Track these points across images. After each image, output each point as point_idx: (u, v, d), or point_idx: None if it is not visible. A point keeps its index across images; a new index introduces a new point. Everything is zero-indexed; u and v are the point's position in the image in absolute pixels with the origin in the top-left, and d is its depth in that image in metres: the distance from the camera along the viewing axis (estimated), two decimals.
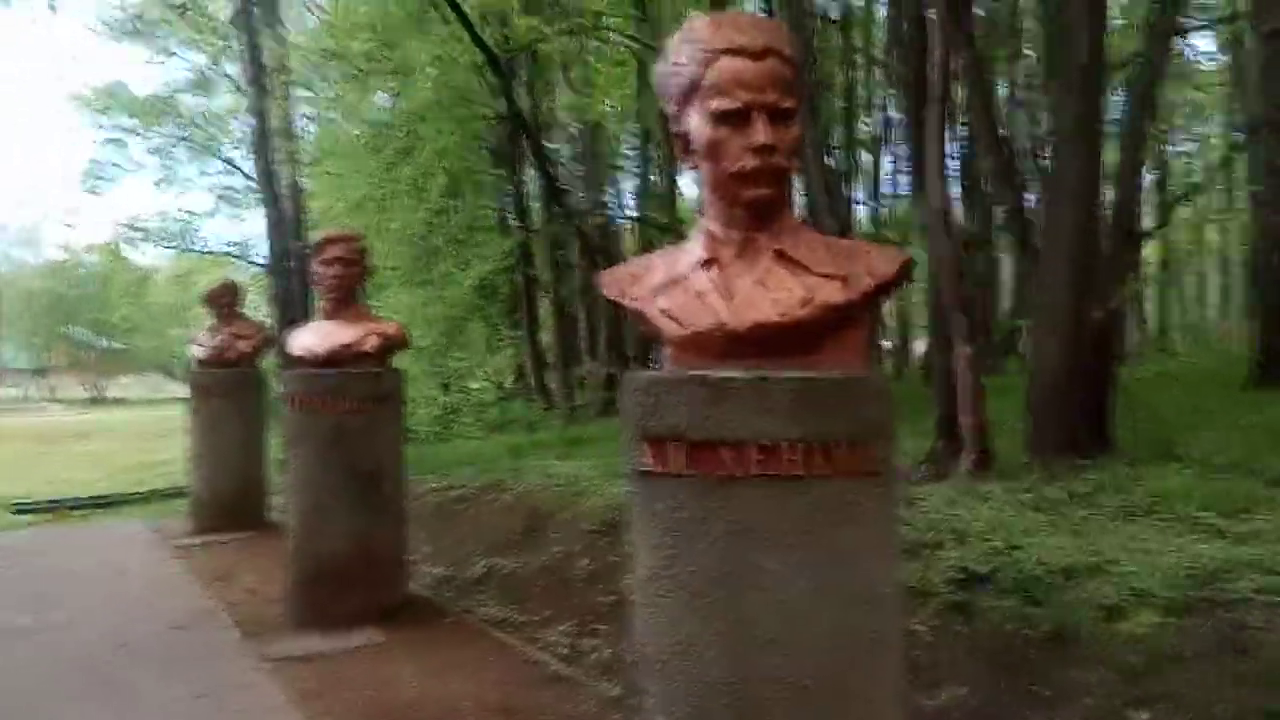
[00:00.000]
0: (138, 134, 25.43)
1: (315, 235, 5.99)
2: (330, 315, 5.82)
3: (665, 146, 16.00)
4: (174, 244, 27.62)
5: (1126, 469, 5.20)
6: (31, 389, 67.13)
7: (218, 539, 8.46)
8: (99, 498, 15.48)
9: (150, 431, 41.81)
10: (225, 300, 9.08)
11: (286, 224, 11.23)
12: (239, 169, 27.91)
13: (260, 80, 11.35)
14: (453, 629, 5.42)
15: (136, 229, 26.17)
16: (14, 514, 14.39)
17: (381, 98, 16.21)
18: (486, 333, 16.62)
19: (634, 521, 2.57)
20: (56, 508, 14.58)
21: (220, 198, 26.97)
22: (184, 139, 24.40)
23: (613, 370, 17.10)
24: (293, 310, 11.28)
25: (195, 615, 5.88)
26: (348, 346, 5.68)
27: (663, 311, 2.51)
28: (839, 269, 2.46)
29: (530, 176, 16.76)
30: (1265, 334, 9.88)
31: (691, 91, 2.54)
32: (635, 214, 16.85)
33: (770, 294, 2.43)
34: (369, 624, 5.49)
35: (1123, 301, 7.61)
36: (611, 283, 2.69)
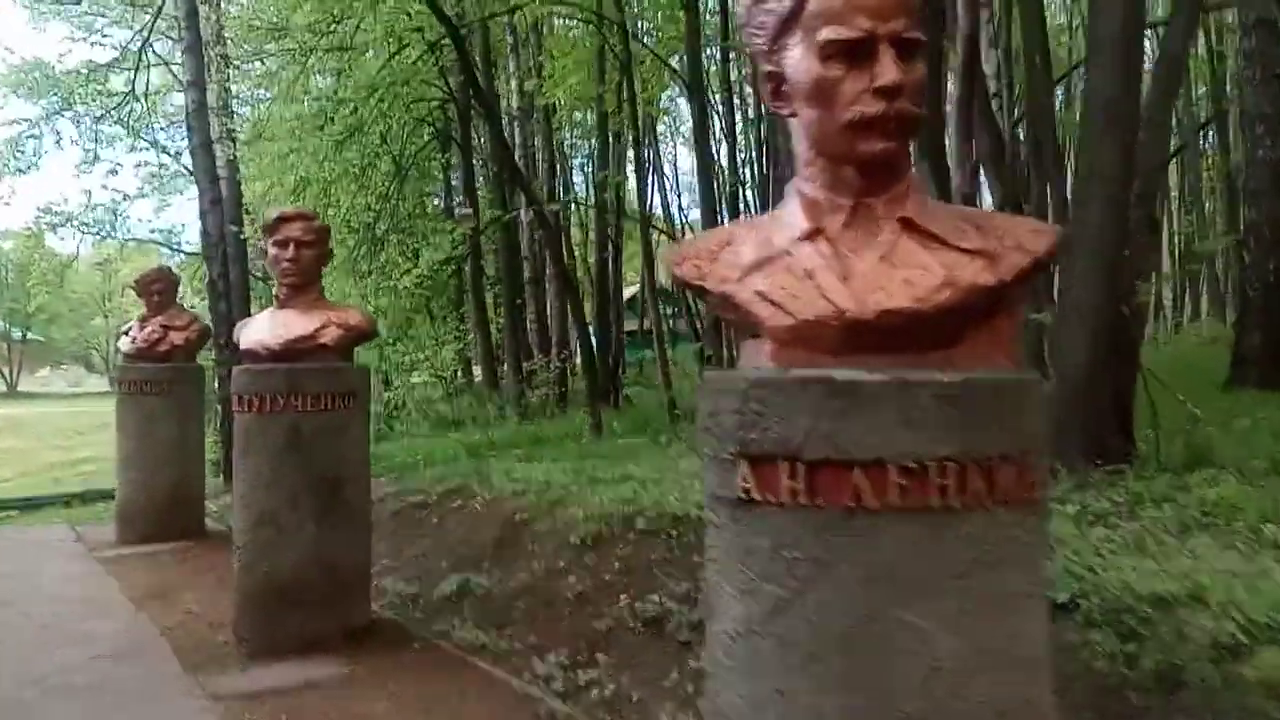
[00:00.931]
0: (59, 114, 24.09)
1: (269, 212, 5.32)
2: (285, 304, 5.17)
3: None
4: (97, 230, 26.27)
5: (1163, 476, 4.83)
6: None
7: (150, 550, 7.71)
8: (14, 500, 14.39)
9: (69, 428, 40.05)
10: (158, 288, 8.30)
11: (224, 204, 10.38)
12: (167, 150, 26.66)
13: (197, 49, 10.49)
14: (425, 656, 4.82)
15: (57, 214, 24.81)
16: None
17: (323, 77, 15.42)
18: (431, 325, 15.88)
19: (717, 559, 2.04)
20: None
21: (147, 182, 25.79)
22: (108, 119, 23.13)
23: (563, 365, 16.53)
24: (229, 300, 10.46)
25: (127, 642, 5.18)
26: (305, 338, 5.05)
27: (760, 295, 1.98)
28: (982, 243, 1.96)
29: (479, 162, 16.11)
30: (1243, 331, 9.72)
31: (791, 19, 2.02)
32: (595, 203, 16.23)
33: (899, 273, 1.92)
34: (330, 652, 4.87)
35: (1147, 297, 7.31)
36: (683, 260, 2.16)
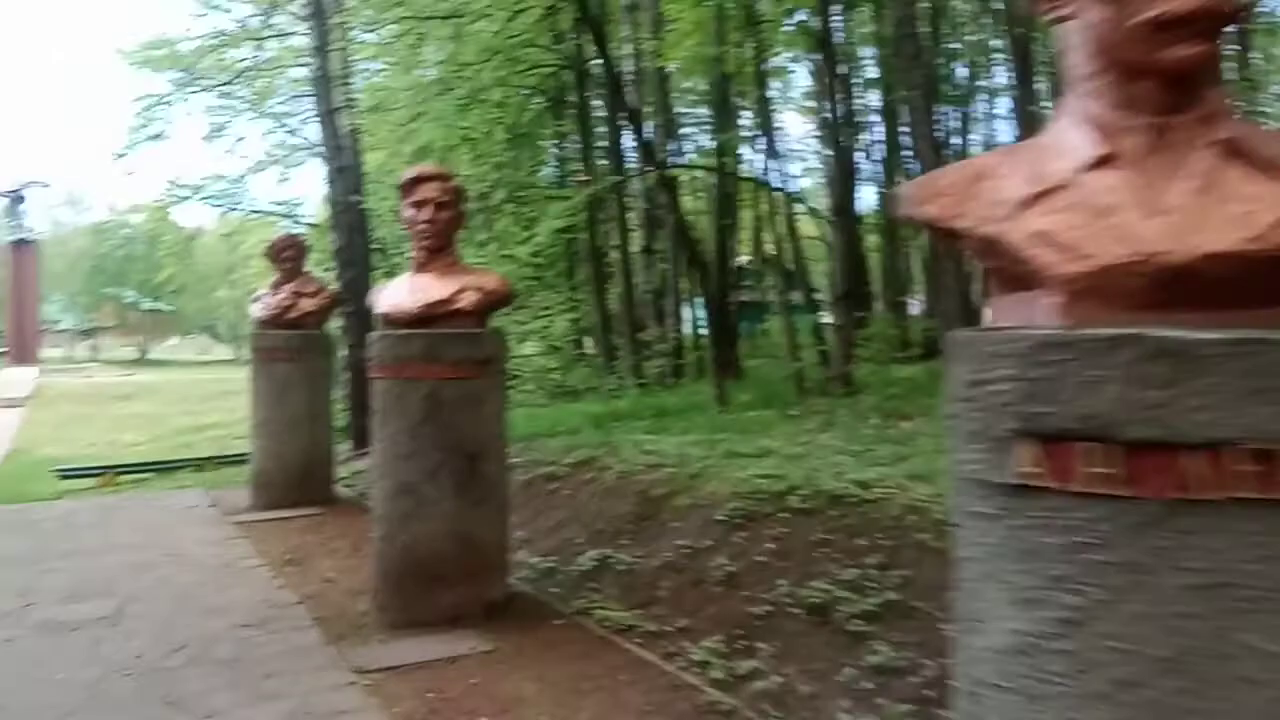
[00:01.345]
0: (185, 89, 24.83)
1: (405, 172, 5.14)
2: (422, 267, 4.99)
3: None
4: (222, 202, 27.13)
5: None
6: (77, 350, 67.61)
7: (283, 515, 7.75)
8: (150, 464, 14.91)
9: (197, 394, 41.80)
10: (288, 254, 8.30)
11: (349, 172, 10.37)
12: (288, 124, 27.27)
13: (321, 15, 10.46)
14: (569, 634, 4.62)
15: (183, 186, 25.69)
16: (60, 479, 13.85)
17: (438, 46, 15.36)
18: (545, 294, 15.71)
19: (979, 558, 1.71)
20: (105, 473, 14.02)
21: (269, 155, 26.44)
22: (232, 93, 23.73)
23: (679, 335, 16.23)
24: (355, 268, 10.47)
25: (267, 610, 5.13)
26: (442, 302, 4.86)
27: (1040, 237, 1.63)
28: None
29: (596, 130, 15.84)
30: None
31: None
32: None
33: (1225, 208, 1.54)
34: (470, 626, 4.72)
35: None
36: (929, 198, 1.81)
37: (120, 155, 15.02)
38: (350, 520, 7.63)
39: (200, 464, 14.24)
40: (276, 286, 8.34)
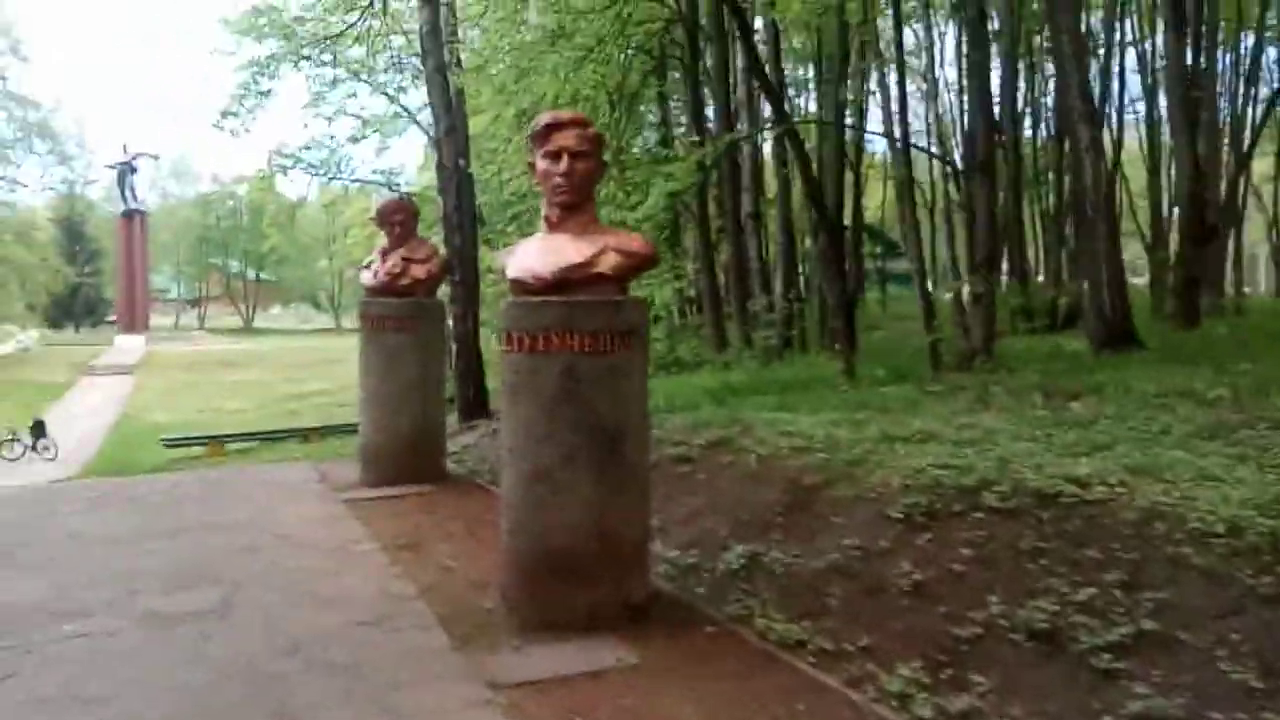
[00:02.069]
0: (288, 59, 24.85)
1: (538, 119, 4.55)
2: (556, 226, 4.41)
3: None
4: (322, 171, 27.29)
5: None
6: (184, 318, 69.88)
7: (394, 493, 7.36)
8: (255, 433, 14.86)
9: (299, 362, 42.71)
10: (399, 218, 7.84)
11: (457, 134, 9.88)
12: (387, 92, 27.22)
13: None
14: (724, 646, 4.03)
15: (286, 155, 25.84)
16: (167, 448, 13.85)
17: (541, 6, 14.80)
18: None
19: None
20: (211, 443, 13.98)
21: (369, 124, 26.37)
22: (334, 58, 23.63)
23: (791, 304, 15.48)
24: (463, 233, 10.01)
25: (385, 604, 4.67)
26: (580, 266, 4.28)
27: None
28: None
29: (706, 89, 15.13)
30: None
31: None
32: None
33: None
34: (609, 630, 4.17)
35: None
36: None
37: (225, 116, 14.73)
38: (463, 499, 7.19)
39: (305, 434, 14.11)
40: (386, 252, 7.90)
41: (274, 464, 10.02)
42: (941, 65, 24.29)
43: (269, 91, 15.68)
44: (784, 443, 5.88)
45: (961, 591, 3.74)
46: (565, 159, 4.30)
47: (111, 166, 56.02)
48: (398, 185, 27.90)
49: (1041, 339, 12.22)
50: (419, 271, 7.83)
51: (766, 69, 11.50)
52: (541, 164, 4.38)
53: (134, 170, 56.07)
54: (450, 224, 9.93)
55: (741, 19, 10.73)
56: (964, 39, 10.94)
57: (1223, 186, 16.16)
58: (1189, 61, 13.45)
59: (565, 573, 4.27)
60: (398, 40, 23.30)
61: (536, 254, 4.39)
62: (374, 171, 28.23)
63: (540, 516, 4.31)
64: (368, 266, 8.06)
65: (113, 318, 58.61)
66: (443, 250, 9.48)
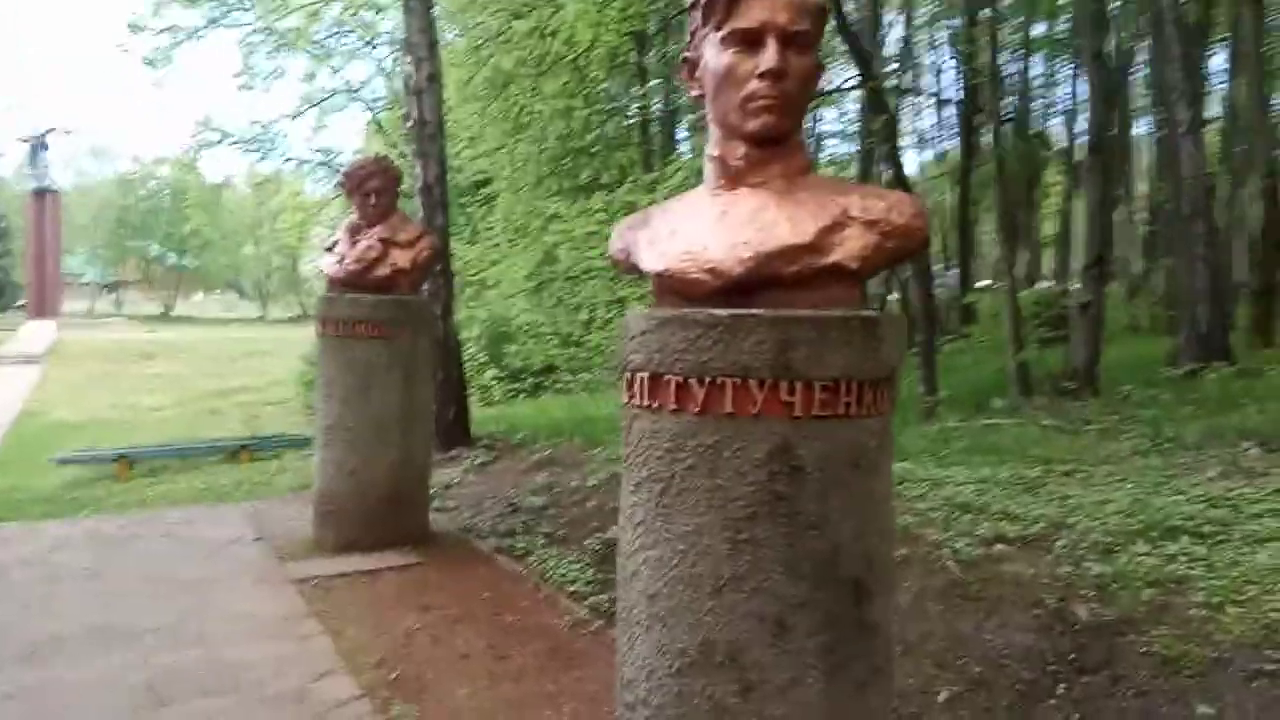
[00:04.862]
0: (216, 23, 22.33)
1: None
2: (742, 176, 2.38)
3: None
4: (254, 148, 24.94)
5: None
6: (100, 304, 65.76)
7: (365, 567, 5.26)
8: (170, 447, 12.36)
9: (222, 354, 39.72)
10: (374, 185, 5.71)
11: (436, 85, 7.73)
12: (331, 66, 24.87)
13: None
14: None
15: (212, 130, 23.42)
16: (60, 465, 11.32)
17: None
18: None
19: None
20: (116, 461, 11.51)
21: (307, 100, 24.01)
22: (268, 27, 21.18)
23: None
24: (444, 212, 7.88)
25: None
26: (799, 251, 2.27)
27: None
28: None
29: None
30: None
31: None
32: None
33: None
34: None
35: None
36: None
37: (149, 64, 12.41)
38: (463, 576, 5.13)
39: (233, 453, 11.71)
40: (356, 231, 5.78)
41: (195, 504, 7.72)
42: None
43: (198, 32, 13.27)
44: (978, 526, 3.93)
45: None
46: (772, 46, 2.28)
47: (24, 140, 51.98)
48: (339, 166, 25.50)
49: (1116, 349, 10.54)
50: (402, 258, 5.71)
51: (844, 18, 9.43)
52: (720, 58, 2.34)
53: (45, 147, 52.07)
54: (431, 197, 7.77)
55: None
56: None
57: None
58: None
59: None
60: (335, 10, 21.05)
61: (710, 228, 2.34)
62: (317, 150, 25.90)
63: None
64: (330, 249, 5.91)
65: (21, 303, 54.53)
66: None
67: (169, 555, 5.60)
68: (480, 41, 10.83)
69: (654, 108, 15.75)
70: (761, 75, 2.29)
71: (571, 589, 4.70)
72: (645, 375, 2.33)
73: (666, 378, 2.28)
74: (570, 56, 10.86)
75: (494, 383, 14.32)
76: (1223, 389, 7.25)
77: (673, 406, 2.27)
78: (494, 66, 11.20)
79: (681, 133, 20.50)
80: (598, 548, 5.14)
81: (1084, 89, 18.68)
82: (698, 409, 2.23)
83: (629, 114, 16.61)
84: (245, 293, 73.12)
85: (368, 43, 24.12)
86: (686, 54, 2.51)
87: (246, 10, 21.37)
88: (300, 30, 20.99)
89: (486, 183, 15.80)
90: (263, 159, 26.54)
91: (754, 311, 2.21)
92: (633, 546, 2.40)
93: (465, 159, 14.09)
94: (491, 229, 14.69)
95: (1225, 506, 3.95)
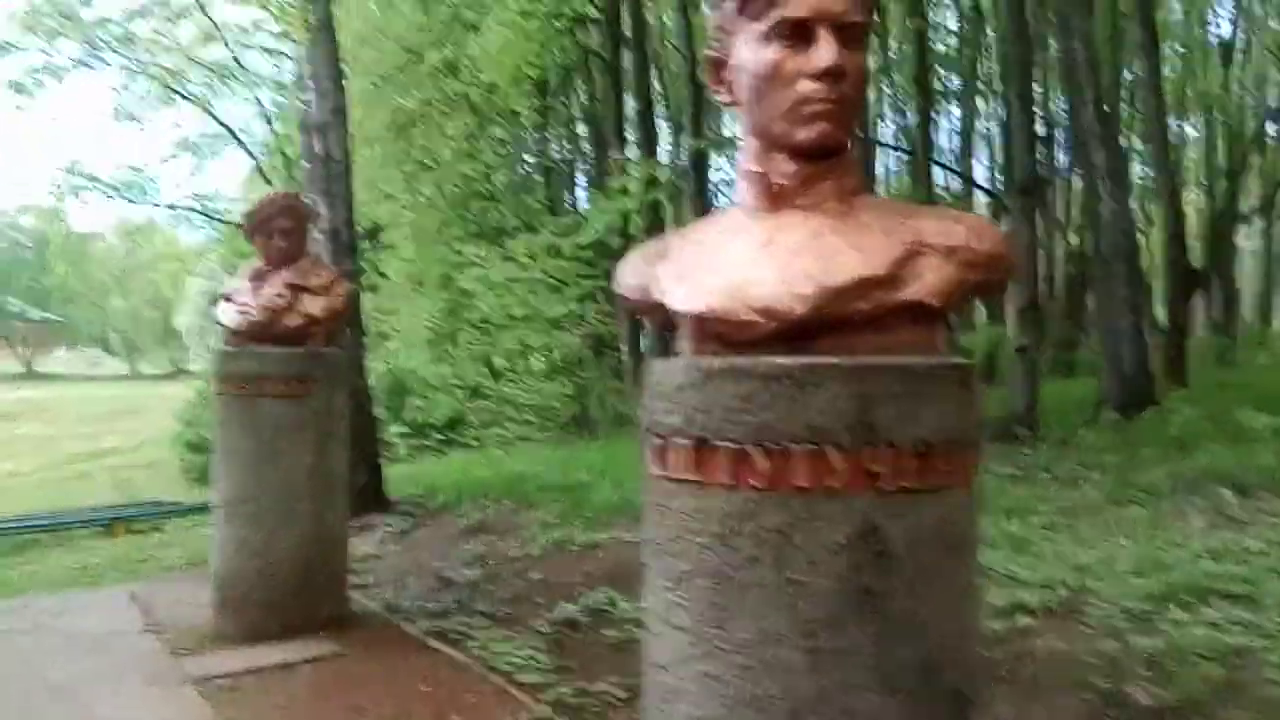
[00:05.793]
0: (82, 62, 21.16)
1: None
2: (792, 195, 1.97)
3: None
4: (126, 193, 23.67)
5: None
6: None
7: (276, 660, 4.56)
8: (37, 522, 11.16)
9: (89, 414, 37.40)
10: (281, 225, 5.10)
11: (340, 119, 7.14)
12: (210, 111, 23.81)
13: None
14: None
15: (80, 175, 22.11)
16: None
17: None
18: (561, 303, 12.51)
19: None
20: None
21: (181, 146, 22.93)
22: (143, 69, 20.13)
23: None
24: (353, 256, 7.29)
25: None
26: (870, 285, 1.88)
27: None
28: None
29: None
30: None
31: None
32: None
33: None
34: None
35: None
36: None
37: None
38: (392, 669, 4.47)
39: (107, 524, 10.63)
40: (260, 276, 5.15)
41: (68, 587, 6.81)
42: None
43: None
44: (987, 593, 3.54)
45: None
46: (828, 40, 1.88)
47: None
48: (219, 214, 24.43)
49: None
50: (314, 306, 5.10)
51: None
52: (763, 54, 1.93)
53: None
54: (339, 241, 7.14)
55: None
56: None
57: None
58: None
59: None
60: (219, 52, 20.20)
61: (755, 259, 1.90)
62: (197, 197, 24.70)
63: None
64: (229, 298, 5.26)
65: None
66: None
67: (45, 653, 4.79)
68: (379, 80, 10.27)
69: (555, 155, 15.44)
70: (818, 75, 1.88)
71: (525, 679, 4.13)
72: (686, 441, 1.87)
73: (715, 444, 1.82)
74: (477, 94, 10.40)
75: (398, 439, 13.58)
76: (1164, 431, 7.16)
77: (725, 481, 1.82)
78: (393, 108, 10.65)
79: (581, 180, 20.27)
80: (549, 630, 4.59)
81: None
82: (759, 484, 1.78)
83: (527, 161, 16.27)
84: (113, 348, 69.43)
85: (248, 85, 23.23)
86: (712, 52, 2.09)
87: (116, 52, 20.28)
88: (174, 72, 20.00)
89: (379, 230, 15.15)
90: (134, 204, 25.21)
91: (829, 360, 1.78)
92: (674, 657, 1.91)
93: (360, 203, 13.42)
94: (386, 277, 14.05)
95: (1234, 561, 3.69)
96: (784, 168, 1.96)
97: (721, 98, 2.10)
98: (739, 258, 1.93)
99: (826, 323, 1.84)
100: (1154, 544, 4.00)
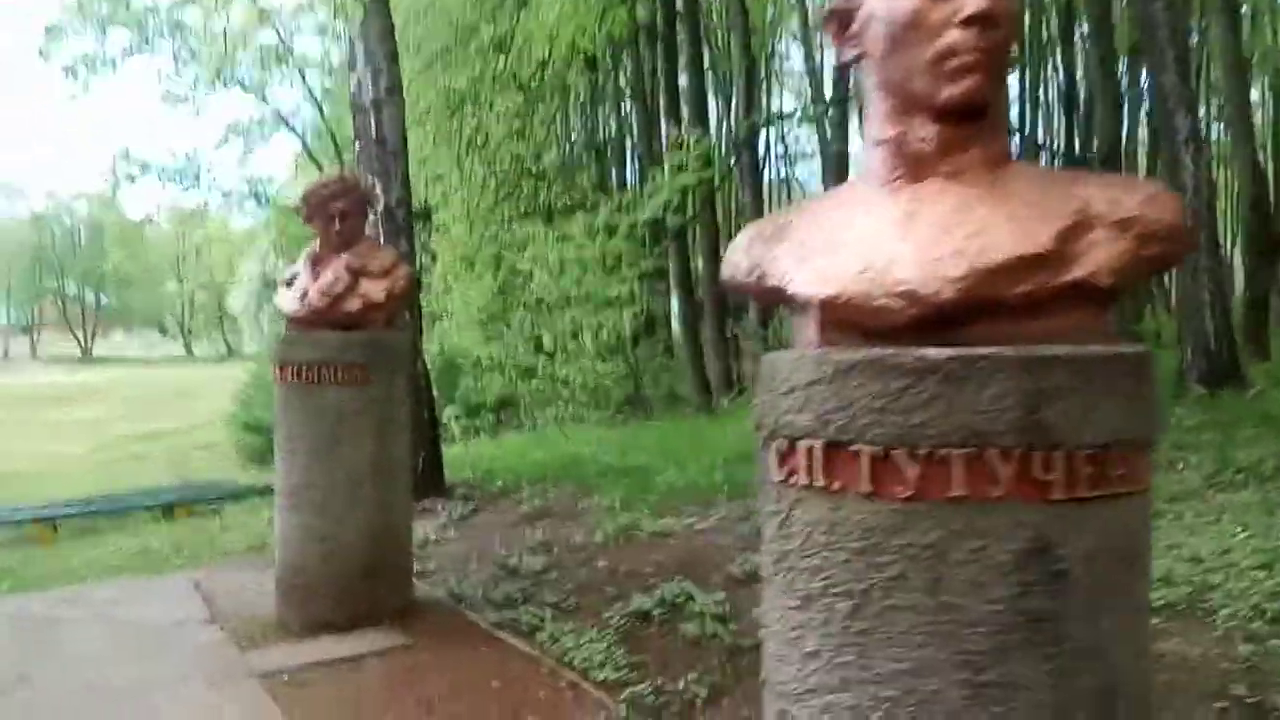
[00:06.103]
0: (133, 51, 21.29)
1: None
2: (932, 165, 1.73)
3: None
4: (179, 179, 23.87)
5: None
6: (14, 347, 62.92)
7: (342, 654, 4.44)
8: (94, 507, 11.19)
9: (146, 396, 37.98)
10: (340, 207, 4.94)
11: (396, 96, 6.97)
12: (259, 94, 23.90)
13: None
14: None
15: (133, 162, 22.32)
16: None
17: None
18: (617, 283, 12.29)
19: None
20: (36, 523, 10.36)
21: (232, 130, 23.07)
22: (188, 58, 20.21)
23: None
24: (410, 240, 7.14)
25: None
26: (1033, 264, 1.63)
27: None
28: None
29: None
30: None
31: None
32: None
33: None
34: None
35: None
36: None
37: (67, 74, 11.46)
38: (459, 659, 4.33)
39: (167, 509, 10.66)
40: (319, 260, 4.99)
41: (130, 575, 6.79)
42: None
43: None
44: None
45: None
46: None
47: None
48: (267, 198, 24.58)
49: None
50: (375, 290, 4.94)
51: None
52: (900, 1, 1.69)
53: None
54: (394, 221, 7.00)
55: None
56: None
57: None
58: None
59: None
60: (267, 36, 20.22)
61: (893, 235, 1.67)
62: (246, 181, 24.86)
63: None
64: (289, 282, 5.12)
65: None
66: None
67: (104, 642, 4.72)
68: (430, 60, 10.09)
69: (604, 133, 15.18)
70: (966, 21, 1.64)
71: (599, 676, 3.95)
72: (818, 444, 1.65)
73: (855, 448, 1.60)
74: (527, 72, 10.19)
75: (452, 420, 13.51)
76: (1259, 408, 6.80)
77: (865, 489, 1.59)
78: (443, 87, 10.46)
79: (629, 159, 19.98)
80: (621, 622, 4.40)
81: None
82: (908, 493, 1.56)
83: (575, 140, 16.03)
84: (167, 331, 70.71)
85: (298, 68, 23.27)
86: (835, 4, 1.85)
87: (165, 39, 20.37)
88: (227, 56, 20.04)
89: (432, 210, 15.04)
90: (187, 190, 25.44)
91: (990, 351, 1.54)
92: (801, 685, 1.70)
93: (413, 183, 13.31)
94: (435, 259, 13.95)
95: None
96: (924, 130, 1.72)
97: (847, 54, 1.86)
98: (872, 235, 1.70)
99: (978, 307, 1.60)
100: (1274, 534, 3.71)
